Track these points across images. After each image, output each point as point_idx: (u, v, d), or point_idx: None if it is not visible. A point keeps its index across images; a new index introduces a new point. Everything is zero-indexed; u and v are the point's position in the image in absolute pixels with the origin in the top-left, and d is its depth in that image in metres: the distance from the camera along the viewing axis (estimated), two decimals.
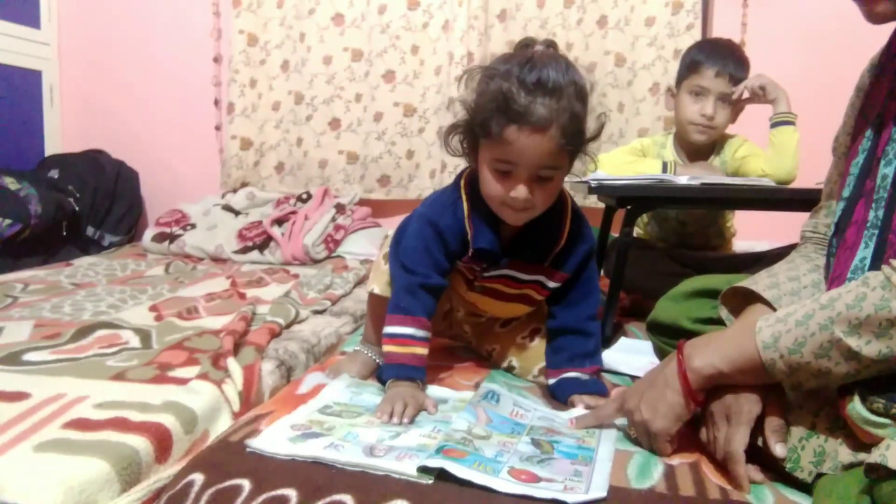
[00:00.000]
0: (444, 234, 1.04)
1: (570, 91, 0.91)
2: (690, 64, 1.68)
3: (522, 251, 1.07)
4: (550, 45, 0.97)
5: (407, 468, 0.74)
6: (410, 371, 0.99)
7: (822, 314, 0.69)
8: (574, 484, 0.74)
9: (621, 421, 0.91)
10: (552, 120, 0.90)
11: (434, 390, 1.04)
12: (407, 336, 1.00)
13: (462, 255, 1.06)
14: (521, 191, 0.94)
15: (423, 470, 0.74)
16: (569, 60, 0.94)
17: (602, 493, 0.72)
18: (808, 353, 0.70)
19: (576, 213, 1.09)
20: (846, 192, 0.84)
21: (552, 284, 1.11)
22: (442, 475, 0.74)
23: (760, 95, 1.62)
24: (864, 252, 0.77)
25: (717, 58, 1.64)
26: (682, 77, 1.71)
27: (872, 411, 0.68)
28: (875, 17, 0.75)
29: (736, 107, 1.68)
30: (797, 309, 0.73)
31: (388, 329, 1.01)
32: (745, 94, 1.64)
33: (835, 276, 0.82)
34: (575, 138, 0.93)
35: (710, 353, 0.79)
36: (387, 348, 1.01)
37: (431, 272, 1.03)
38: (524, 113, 0.89)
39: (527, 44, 0.97)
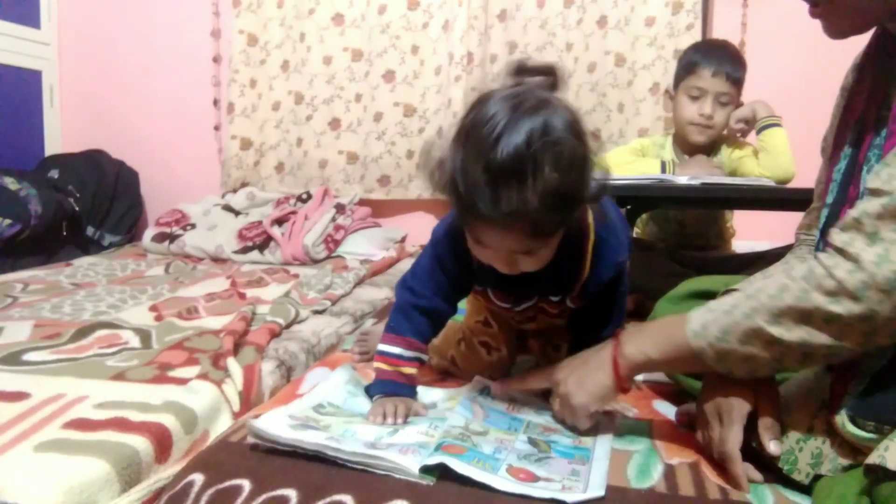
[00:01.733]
0: (447, 260, 0.97)
1: (549, 167, 0.72)
2: (687, 65, 1.70)
3: (542, 286, 0.96)
4: (549, 72, 0.79)
5: (410, 464, 0.74)
6: (397, 388, 0.96)
7: (747, 304, 0.72)
8: (572, 483, 0.74)
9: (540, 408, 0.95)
10: (520, 217, 0.74)
11: (422, 391, 1.03)
12: (395, 356, 0.97)
13: (472, 282, 1.00)
14: (500, 266, 0.84)
15: (425, 470, 0.74)
16: (560, 106, 0.76)
17: (600, 493, 0.72)
18: (734, 341, 0.72)
19: (600, 238, 0.92)
20: (829, 199, 0.84)
21: (571, 305, 1.02)
22: (443, 474, 0.74)
23: (746, 124, 1.68)
24: None
25: (712, 58, 1.66)
26: (679, 79, 1.72)
27: (863, 429, 0.68)
28: (833, 34, 0.76)
29: (743, 129, 1.72)
30: (725, 299, 0.75)
31: (380, 346, 0.99)
32: (738, 128, 1.69)
33: None
34: (552, 224, 0.78)
35: (641, 341, 0.82)
36: (377, 365, 0.98)
37: (431, 295, 0.98)
38: (486, 213, 0.74)
39: (519, 69, 0.79)
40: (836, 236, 0.68)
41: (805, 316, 0.67)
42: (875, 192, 0.66)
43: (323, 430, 0.85)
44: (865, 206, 0.66)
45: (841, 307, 0.64)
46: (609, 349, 0.84)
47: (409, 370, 0.98)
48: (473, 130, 0.75)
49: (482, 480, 0.72)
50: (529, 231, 0.77)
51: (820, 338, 0.67)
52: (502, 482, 0.72)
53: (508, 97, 0.76)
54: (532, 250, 0.81)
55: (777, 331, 0.69)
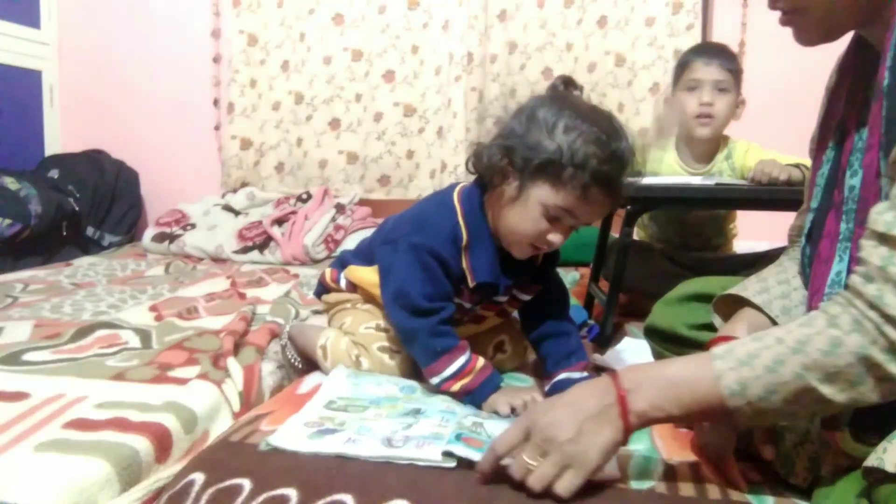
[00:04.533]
0: (449, 265, 1.00)
1: (634, 162, 0.97)
2: (681, 64, 1.73)
3: (511, 275, 1.06)
4: (580, 88, 1.05)
5: (430, 454, 0.76)
6: (492, 380, 0.99)
7: (795, 360, 0.64)
8: None
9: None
10: (619, 193, 0.96)
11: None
12: (464, 365, 0.99)
13: (458, 285, 1.04)
14: (559, 237, 0.97)
15: (447, 454, 0.76)
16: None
17: (616, 474, 0.75)
18: (779, 401, 0.65)
19: None
20: (814, 203, 0.83)
21: (525, 297, 1.11)
22: (460, 461, 0.76)
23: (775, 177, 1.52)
24: (840, 266, 0.76)
25: (702, 50, 1.71)
26: (675, 81, 1.74)
27: (868, 444, 0.67)
28: (803, 41, 0.75)
29: (736, 104, 1.69)
30: (761, 350, 0.66)
31: (445, 373, 0.98)
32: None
33: (813, 292, 0.80)
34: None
35: (655, 395, 0.69)
36: (457, 385, 0.99)
37: (444, 303, 1.01)
38: (613, 182, 0.93)
39: (567, 83, 1.02)
40: (864, 287, 0.63)
41: (862, 374, 0.62)
42: (884, 239, 0.62)
43: (339, 427, 0.86)
44: (887, 256, 0.61)
45: None
46: (615, 405, 0.69)
47: (480, 363, 1.01)
48: (588, 123, 0.93)
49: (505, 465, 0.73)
50: (616, 203, 0.99)
51: (870, 397, 0.63)
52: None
53: (580, 100, 1.01)
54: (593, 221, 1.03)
55: (829, 391, 0.63)
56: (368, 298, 1.16)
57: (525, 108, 0.98)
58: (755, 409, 0.66)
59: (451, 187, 1.07)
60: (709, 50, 1.70)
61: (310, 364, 1.19)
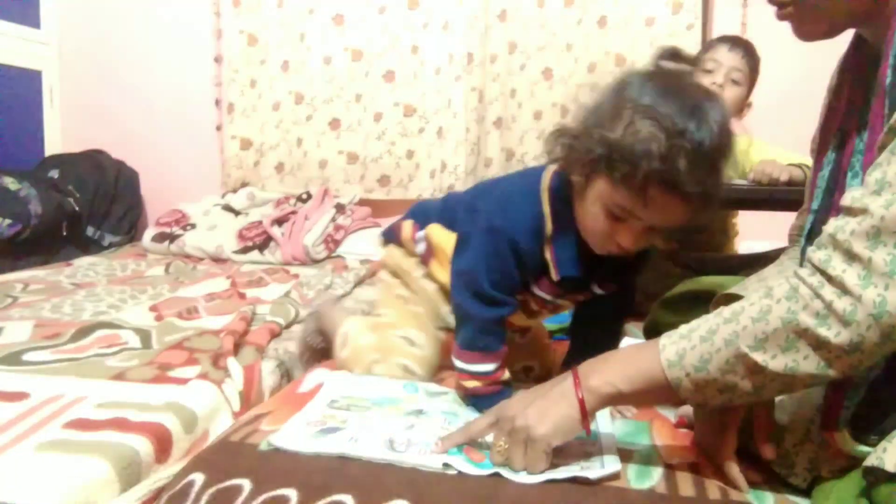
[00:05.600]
0: (525, 257, 0.94)
1: (727, 151, 0.81)
2: (705, 46, 1.80)
3: (600, 270, 0.97)
4: (693, 63, 0.88)
5: (432, 462, 0.77)
6: (501, 396, 0.95)
7: (727, 328, 0.66)
8: (589, 464, 0.78)
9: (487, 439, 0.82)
10: (703, 191, 0.79)
11: (434, 387, 1.04)
12: (489, 372, 0.96)
13: (535, 277, 0.98)
14: (628, 241, 0.86)
15: (447, 465, 0.77)
16: (720, 99, 0.84)
17: (617, 467, 0.76)
18: (714, 370, 0.67)
19: None
20: (814, 205, 0.82)
21: (601, 292, 1.03)
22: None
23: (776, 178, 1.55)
24: None
25: (729, 39, 1.76)
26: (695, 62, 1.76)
27: (868, 444, 0.67)
28: (802, 35, 0.75)
29: (743, 104, 1.71)
30: (700, 324, 0.70)
31: (470, 367, 0.96)
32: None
33: None
34: (716, 203, 0.84)
35: (608, 372, 0.73)
36: (471, 384, 0.96)
37: (508, 298, 0.96)
38: (679, 182, 0.78)
39: (674, 54, 0.87)
40: (813, 254, 0.64)
41: (792, 340, 0.62)
42: (845, 210, 0.63)
43: (342, 425, 0.86)
44: (841, 224, 0.62)
45: (830, 332, 0.60)
46: (570, 381, 0.75)
47: (506, 375, 0.99)
48: (657, 114, 0.78)
49: (510, 478, 0.75)
50: (702, 205, 0.81)
51: (805, 366, 0.62)
52: (526, 477, 0.75)
53: (676, 78, 0.84)
54: (675, 226, 0.85)
55: (761, 357, 0.64)
56: (438, 269, 1.07)
57: (605, 92, 0.87)
58: (694, 381, 0.68)
59: (542, 168, 0.97)
60: (735, 40, 1.75)
61: (327, 343, 1.18)
